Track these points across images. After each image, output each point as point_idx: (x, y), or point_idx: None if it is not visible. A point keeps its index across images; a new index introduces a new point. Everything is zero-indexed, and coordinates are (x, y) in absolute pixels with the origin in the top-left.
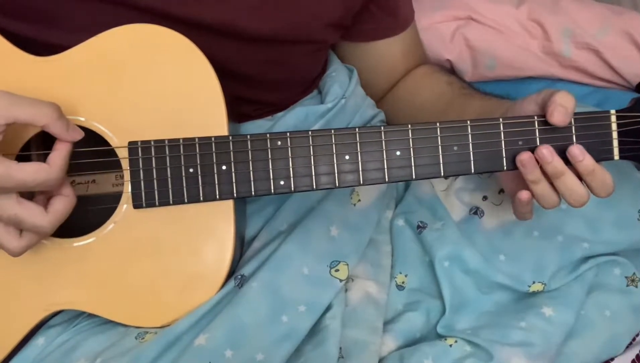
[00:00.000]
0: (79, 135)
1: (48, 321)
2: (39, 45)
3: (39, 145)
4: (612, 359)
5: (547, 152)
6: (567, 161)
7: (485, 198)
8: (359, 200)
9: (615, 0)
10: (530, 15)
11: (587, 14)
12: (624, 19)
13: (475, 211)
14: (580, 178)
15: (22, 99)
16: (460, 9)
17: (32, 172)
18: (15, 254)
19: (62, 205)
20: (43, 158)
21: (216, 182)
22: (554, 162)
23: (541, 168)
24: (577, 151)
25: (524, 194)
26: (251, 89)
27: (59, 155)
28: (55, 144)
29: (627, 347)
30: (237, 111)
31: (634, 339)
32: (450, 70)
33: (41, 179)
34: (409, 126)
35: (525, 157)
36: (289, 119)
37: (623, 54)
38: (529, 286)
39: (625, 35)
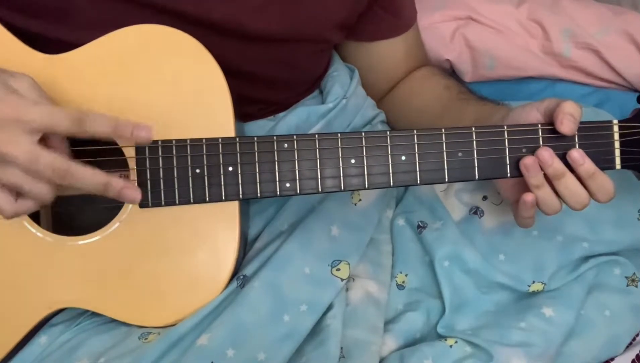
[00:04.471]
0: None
1: (50, 319)
2: (49, 41)
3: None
4: (612, 359)
5: (547, 154)
6: (568, 168)
7: (485, 198)
8: (360, 200)
9: (615, 0)
10: (530, 15)
11: (587, 14)
12: (624, 19)
13: (475, 211)
14: (581, 182)
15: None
16: (460, 9)
17: (45, 112)
18: (6, 216)
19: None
20: None
21: (222, 183)
22: (554, 164)
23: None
24: (577, 154)
25: (528, 196)
26: (255, 88)
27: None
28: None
29: (627, 347)
30: (241, 110)
31: (634, 339)
32: (450, 70)
33: (48, 122)
34: (415, 131)
35: (528, 161)
36: (291, 119)
37: (623, 54)
38: (529, 286)
39: (625, 35)
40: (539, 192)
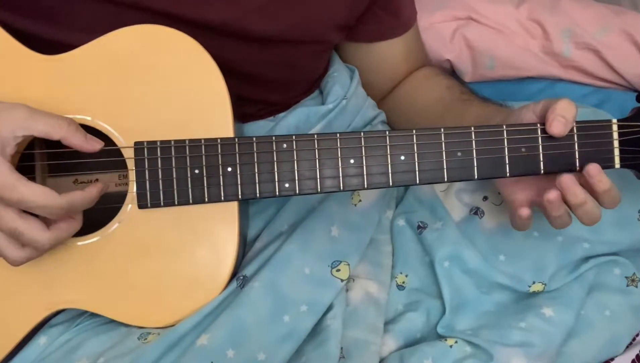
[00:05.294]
0: (99, 145)
1: (50, 320)
2: (46, 43)
3: (41, 144)
4: (612, 359)
5: (570, 182)
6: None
7: (485, 198)
8: (360, 200)
9: (615, 0)
10: (530, 15)
11: (587, 14)
12: (624, 19)
13: (476, 212)
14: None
15: (39, 112)
16: (460, 9)
17: (37, 193)
18: (15, 264)
19: (65, 225)
20: (46, 157)
21: (221, 183)
22: (577, 193)
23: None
24: (595, 170)
25: (525, 212)
26: (255, 89)
27: (79, 195)
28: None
29: (627, 347)
30: (240, 111)
31: (634, 339)
32: (450, 70)
33: (42, 203)
34: (414, 131)
35: (553, 196)
36: (291, 120)
37: (623, 54)
38: (529, 287)
39: (625, 35)
40: (553, 213)
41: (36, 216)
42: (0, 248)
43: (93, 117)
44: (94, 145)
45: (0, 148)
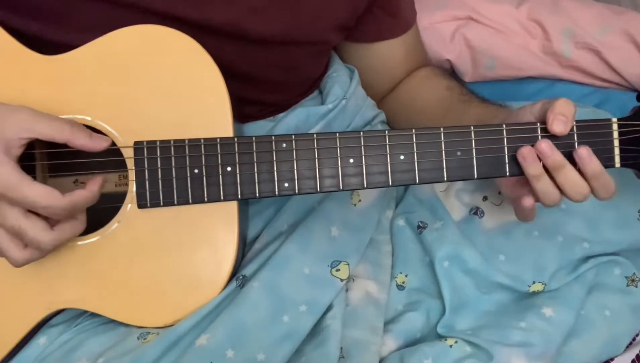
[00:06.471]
0: (105, 142)
1: (49, 320)
2: (46, 43)
3: (42, 144)
4: (612, 359)
5: (546, 146)
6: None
7: (485, 198)
8: (360, 200)
9: (615, 0)
10: (530, 15)
11: (587, 14)
12: (624, 19)
13: (475, 212)
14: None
15: (41, 114)
16: (460, 8)
17: (40, 194)
18: (17, 264)
19: (68, 226)
20: (47, 157)
21: (221, 183)
22: (553, 155)
23: (543, 165)
24: (585, 153)
25: (528, 201)
26: (255, 90)
27: (81, 195)
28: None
29: (627, 347)
30: (240, 111)
31: (634, 339)
32: (450, 70)
33: (45, 204)
34: (413, 130)
35: (526, 151)
36: (290, 120)
37: (623, 54)
38: (529, 286)
39: (625, 35)
40: (537, 183)
41: (41, 216)
42: (3, 248)
43: (93, 117)
44: (100, 143)
45: (6, 149)
